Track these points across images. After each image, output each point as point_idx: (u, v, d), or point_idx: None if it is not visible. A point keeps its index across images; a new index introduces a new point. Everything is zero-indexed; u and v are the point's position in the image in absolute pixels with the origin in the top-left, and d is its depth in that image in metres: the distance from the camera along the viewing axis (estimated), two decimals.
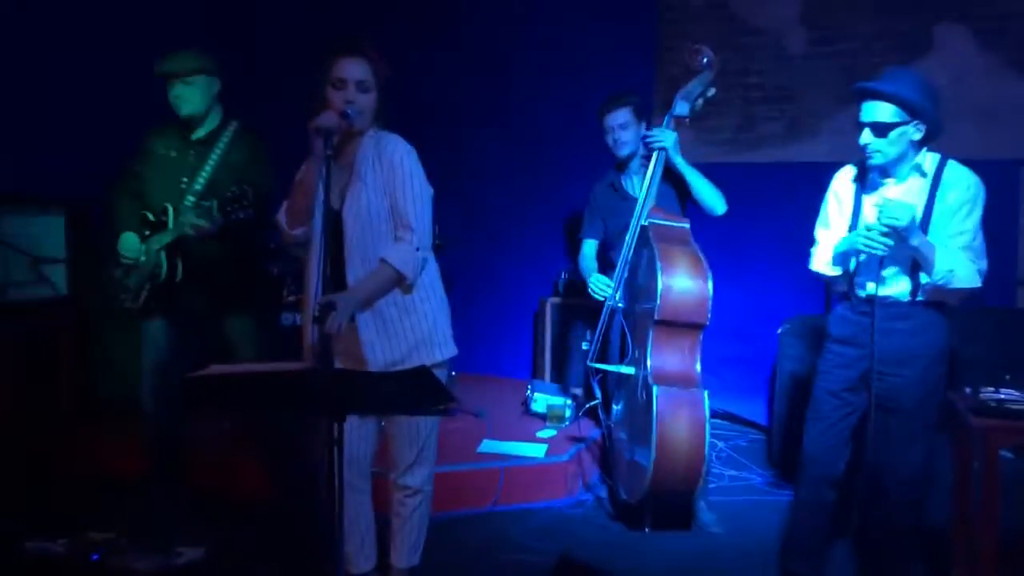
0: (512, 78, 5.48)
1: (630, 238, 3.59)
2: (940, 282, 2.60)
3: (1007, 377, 2.82)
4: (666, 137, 3.52)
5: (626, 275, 3.66)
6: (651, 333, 3.40)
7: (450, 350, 2.71)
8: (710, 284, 3.39)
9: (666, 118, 3.57)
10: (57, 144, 4.17)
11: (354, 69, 2.49)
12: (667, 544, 3.49)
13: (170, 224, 3.21)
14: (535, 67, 5.44)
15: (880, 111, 2.62)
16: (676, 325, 3.40)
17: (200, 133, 3.32)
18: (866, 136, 2.65)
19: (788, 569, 3.00)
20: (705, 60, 3.51)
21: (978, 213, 2.66)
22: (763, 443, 4.68)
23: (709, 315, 3.39)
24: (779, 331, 4.38)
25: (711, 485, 3.92)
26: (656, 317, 3.38)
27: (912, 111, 2.60)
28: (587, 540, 3.52)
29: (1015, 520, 2.98)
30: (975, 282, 2.62)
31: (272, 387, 2.05)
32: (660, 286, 3.36)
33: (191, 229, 3.10)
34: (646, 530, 3.55)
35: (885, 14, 4.69)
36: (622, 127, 3.70)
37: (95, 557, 2.95)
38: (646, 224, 3.54)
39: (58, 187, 4.05)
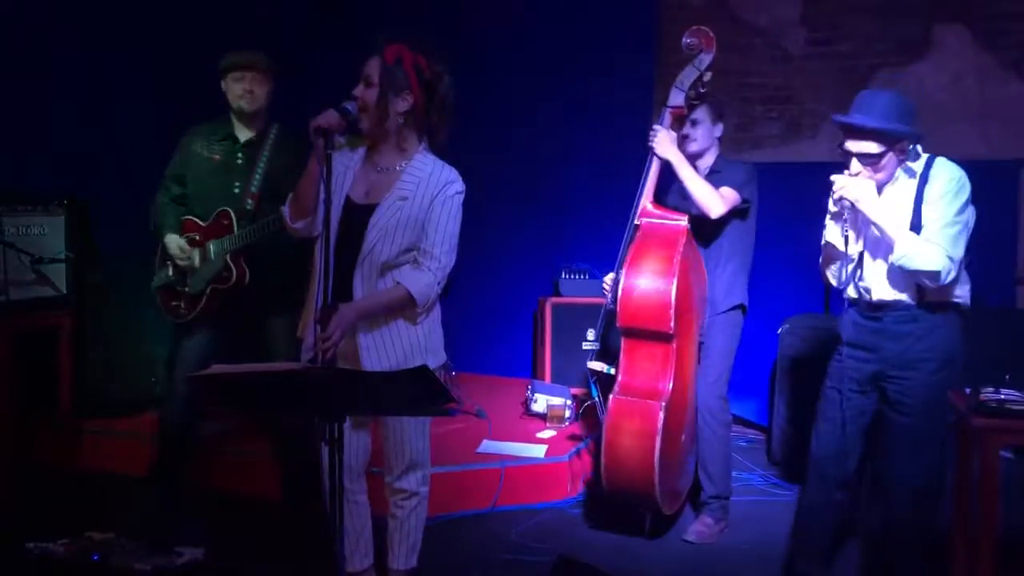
0: (512, 77, 5.47)
1: (626, 237, 3.48)
2: (898, 261, 2.61)
3: (1007, 377, 2.82)
4: (657, 134, 3.38)
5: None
6: (621, 341, 3.36)
7: (441, 358, 2.71)
8: (673, 289, 3.22)
9: (662, 112, 3.45)
10: (57, 144, 4.16)
11: (366, 66, 2.53)
12: (666, 545, 3.50)
13: (235, 229, 3.21)
14: (535, 66, 5.43)
15: (865, 145, 2.64)
16: (640, 334, 3.30)
17: (249, 135, 3.30)
18: (856, 166, 2.68)
19: (796, 569, 3.00)
20: (687, 43, 3.44)
21: (957, 203, 2.64)
22: (763, 443, 4.68)
23: (672, 324, 3.23)
24: (779, 331, 4.38)
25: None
26: (616, 323, 3.31)
27: (894, 139, 2.63)
28: (587, 541, 3.52)
29: (1015, 520, 2.98)
30: (938, 265, 2.58)
31: (273, 387, 2.05)
32: (620, 288, 3.31)
33: (257, 235, 3.12)
34: (645, 531, 3.55)
35: (885, 14, 4.69)
36: (692, 124, 3.53)
37: (95, 557, 2.95)
38: (638, 223, 3.44)
39: (58, 187, 4.05)
